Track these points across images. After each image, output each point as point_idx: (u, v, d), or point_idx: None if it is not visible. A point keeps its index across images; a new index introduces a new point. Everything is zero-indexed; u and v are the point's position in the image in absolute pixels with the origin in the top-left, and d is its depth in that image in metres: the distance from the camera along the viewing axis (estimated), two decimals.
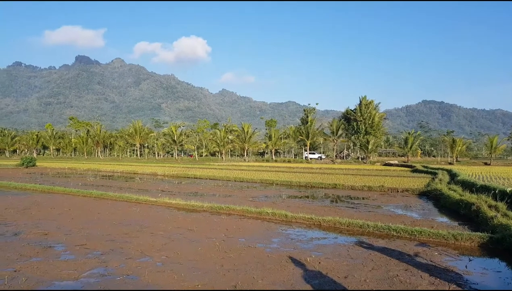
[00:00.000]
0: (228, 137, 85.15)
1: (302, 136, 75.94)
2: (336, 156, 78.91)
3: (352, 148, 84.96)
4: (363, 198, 17.45)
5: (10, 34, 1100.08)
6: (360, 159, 73.06)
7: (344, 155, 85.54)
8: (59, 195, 18.13)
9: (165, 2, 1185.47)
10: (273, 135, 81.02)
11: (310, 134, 74.11)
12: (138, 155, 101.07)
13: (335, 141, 75.47)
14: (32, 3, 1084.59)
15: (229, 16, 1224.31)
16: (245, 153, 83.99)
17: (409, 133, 72.34)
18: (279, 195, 18.44)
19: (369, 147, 66.49)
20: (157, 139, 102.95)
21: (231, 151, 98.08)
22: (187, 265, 6.99)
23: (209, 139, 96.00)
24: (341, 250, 8.16)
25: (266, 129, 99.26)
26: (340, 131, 74.41)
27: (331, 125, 75.43)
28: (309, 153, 76.98)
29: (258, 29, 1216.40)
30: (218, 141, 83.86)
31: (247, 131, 79.66)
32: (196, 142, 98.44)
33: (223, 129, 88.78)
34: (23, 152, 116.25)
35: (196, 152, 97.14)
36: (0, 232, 9.71)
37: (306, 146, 76.49)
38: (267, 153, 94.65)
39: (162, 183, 26.04)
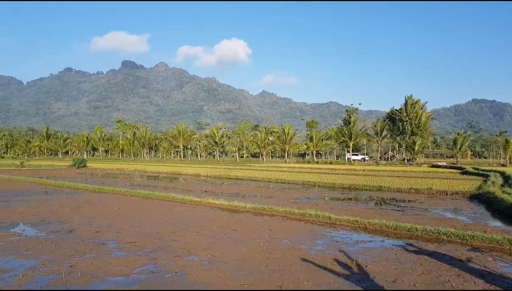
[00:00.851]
0: (268, 139, 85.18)
1: (344, 137, 74.43)
2: (380, 157, 76.83)
3: (397, 149, 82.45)
4: (409, 201, 16.90)
5: (61, 42, 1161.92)
6: (406, 161, 70.74)
7: (389, 156, 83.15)
8: (109, 194, 18.96)
9: (206, 5, 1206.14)
10: (314, 137, 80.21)
11: (353, 135, 72.52)
12: (182, 156, 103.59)
13: (379, 142, 73.52)
14: (80, 7, 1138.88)
15: (270, 18, 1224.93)
16: (286, 154, 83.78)
17: (458, 133, 69.03)
18: (321, 197, 18.25)
19: (416, 148, 64.05)
20: (199, 141, 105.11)
21: (271, 152, 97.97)
22: (232, 264, 7.09)
23: (250, 141, 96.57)
24: (388, 254, 7.95)
25: (307, 130, 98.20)
26: (384, 132, 72.31)
27: (375, 126, 73.45)
28: (352, 154, 75.26)
29: (299, 30, 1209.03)
30: (258, 142, 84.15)
31: (288, 132, 79.43)
32: (237, 144, 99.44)
33: (264, 131, 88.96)
34: (75, 153, 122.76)
35: (237, 153, 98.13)
36: (56, 229, 10.32)
37: (349, 147, 75.03)
38: (308, 154, 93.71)
39: (205, 183, 26.55)
